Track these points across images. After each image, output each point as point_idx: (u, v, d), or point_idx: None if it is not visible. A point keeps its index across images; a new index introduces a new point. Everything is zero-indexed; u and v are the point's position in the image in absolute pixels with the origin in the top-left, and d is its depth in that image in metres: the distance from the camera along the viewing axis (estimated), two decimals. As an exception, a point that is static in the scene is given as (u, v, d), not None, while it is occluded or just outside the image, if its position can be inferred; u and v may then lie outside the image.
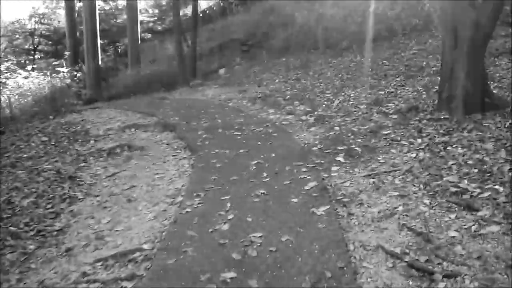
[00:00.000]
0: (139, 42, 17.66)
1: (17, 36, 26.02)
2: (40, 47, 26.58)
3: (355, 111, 6.67)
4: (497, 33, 7.76)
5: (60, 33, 24.27)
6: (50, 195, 4.56)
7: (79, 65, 15.25)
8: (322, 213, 3.39)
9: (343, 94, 7.95)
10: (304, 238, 3.03)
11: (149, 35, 25.16)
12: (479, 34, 5.15)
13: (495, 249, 2.64)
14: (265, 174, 4.46)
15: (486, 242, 2.72)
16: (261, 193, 3.96)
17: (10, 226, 3.80)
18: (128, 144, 6.30)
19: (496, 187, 3.40)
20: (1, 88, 10.61)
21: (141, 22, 21.38)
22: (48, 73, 12.53)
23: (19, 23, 26.03)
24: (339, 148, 5.03)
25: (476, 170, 3.77)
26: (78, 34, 18.68)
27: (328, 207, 3.49)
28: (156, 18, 26.75)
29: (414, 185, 3.75)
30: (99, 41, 14.70)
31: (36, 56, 24.72)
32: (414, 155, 4.43)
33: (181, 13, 16.92)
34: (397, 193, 3.63)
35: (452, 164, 3.99)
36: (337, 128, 5.91)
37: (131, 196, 4.40)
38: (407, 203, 3.43)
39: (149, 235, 3.45)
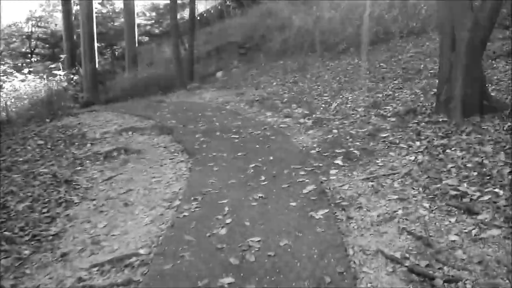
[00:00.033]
0: (137, 45, 17.66)
1: (14, 39, 25.96)
2: (37, 50, 26.54)
3: (353, 114, 6.65)
4: (494, 35, 7.76)
5: (57, 36, 24.23)
6: (46, 199, 4.50)
7: (76, 68, 15.22)
8: (320, 217, 3.36)
9: (340, 97, 7.93)
10: (303, 242, 2.99)
11: (146, 38, 25.16)
12: (477, 36, 5.14)
13: (496, 253, 2.61)
14: (263, 178, 4.42)
15: (487, 246, 2.70)
16: (259, 196, 3.92)
17: (5, 231, 3.74)
18: (125, 148, 6.25)
19: (496, 190, 3.38)
20: None
21: (139, 25, 21.38)
22: (45, 76, 12.47)
23: (16, 26, 25.98)
24: (337, 151, 5.00)
25: (475, 173, 3.74)
26: (75, 37, 18.65)
27: (327, 210, 3.46)
28: (153, 21, 26.76)
29: (413, 189, 3.73)
30: (96, 44, 14.68)
31: (33, 59, 24.65)
32: (413, 158, 4.41)
33: (178, 16, 16.90)
34: (396, 197, 3.60)
35: (451, 167, 3.97)
36: (335, 131, 5.89)
37: (128, 200, 4.35)
38: (407, 207, 3.40)
39: (146, 239, 3.41)
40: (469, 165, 3.95)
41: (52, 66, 15.27)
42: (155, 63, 18.56)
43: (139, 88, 13.33)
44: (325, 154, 5.00)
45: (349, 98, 7.69)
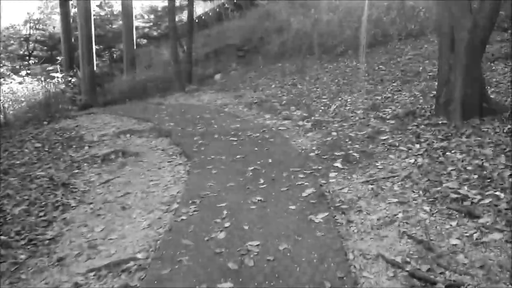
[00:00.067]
0: (135, 47, 17.62)
1: (11, 42, 25.91)
2: (35, 53, 26.49)
3: (352, 116, 6.62)
4: (493, 38, 7.77)
5: (55, 38, 24.21)
6: (43, 203, 4.46)
7: (74, 70, 15.17)
8: (320, 221, 3.32)
9: (339, 99, 7.91)
10: (302, 246, 2.96)
11: (144, 41, 25.15)
12: (477, 37, 5.12)
13: (498, 257, 2.58)
14: (262, 181, 4.38)
15: (488, 251, 2.66)
16: (258, 200, 3.89)
17: (0, 235, 3.69)
18: (122, 150, 6.21)
19: (497, 193, 3.35)
20: None
21: (137, 27, 21.36)
22: (43, 79, 12.43)
23: (14, 29, 25.94)
24: (336, 153, 4.97)
25: (476, 176, 3.72)
26: (73, 39, 18.61)
27: (326, 214, 3.42)
28: (151, 24, 26.76)
29: (414, 192, 3.70)
30: (94, 47, 14.63)
31: (31, 62, 24.60)
32: (412, 160, 4.38)
33: (176, 19, 16.87)
34: (396, 200, 3.57)
35: (452, 170, 3.94)
36: (334, 133, 5.86)
37: (125, 204, 4.31)
38: (407, 210, 3.37)
39: (144, 243, 3.37)
40: (469, 168, 3.92)
41: (50, 68, 15.22)
42: (153, 65, 18.53)
43: (137, 90, 13.29)
44: (324, 157, 4.97)
45: (348, 100, 7.67)
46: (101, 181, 5.11)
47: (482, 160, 4.01)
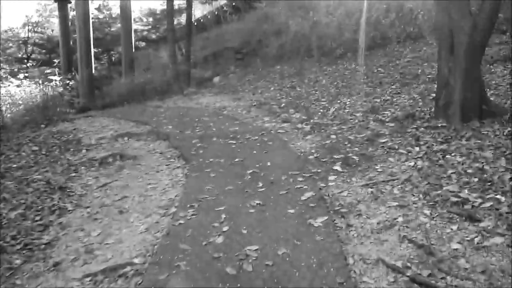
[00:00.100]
0: (133, 50, 17.60)
1: (10, 45, 25.89)
2: (33, 56, 26.47)
3: (351, 119, 6.59)
4: (492, 40, 7.75)
5: (54, 41, 24.18)
6: (39, 207, 4.41)
7: (73, 73, 15.14)
8: (319, 225, 3.28)
9: (338, 102, 7.88)
10: (302, 251, 2.92)
11: (143, 44, 25.15)
12: (476, 40, 5.11)
13: (500, 262, 2.54)
14: (260, 184, 4.35)
15: (490, 255, 2.63)
16: (257, 203, 3.85)
17: (-4, 240, 3.66)
18: (120, 154, 6.17)
19: (498, 196, 3.32)
20: None
21: (135, 30, 21.34)
22: (40, 82, 12.40)
23: (12, 32, 25.92)
24: (335, 156, 4.94)
25: (476, 179, 3.68)
26: (71, 42, 18.59)
27: (325, 218, 3.39)
28: (150, 27, 26.76)
29: (414, 195, 3.66)
30: (92, 50, 14.63)
31: (29, 64, 24.57)
32: (412, 163, 4.35)
33: (175, 22, 16.88)
34: (396, 203, 3.54)
35: (452, 173, 3.91)
36: (333, 136, 5.83)
37: (123, 207, 4.27)
38: (407, 214, 3.34)
39: (141, 248, 3.32)
40: (469, 171, 3.89)
41: (48, 71, 15.19)
42: (152, 68, 18.50)
43: (135, 93, 13.25)
44: (324, 160, 4.93)
45: (347, 103, 7.65)
46: (98, 185, 5.06)
47: (482, 163, 3.98)
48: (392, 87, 7.92)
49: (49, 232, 3.86)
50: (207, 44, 18.45)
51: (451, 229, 3.01)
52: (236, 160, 5.30)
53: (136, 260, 3.10)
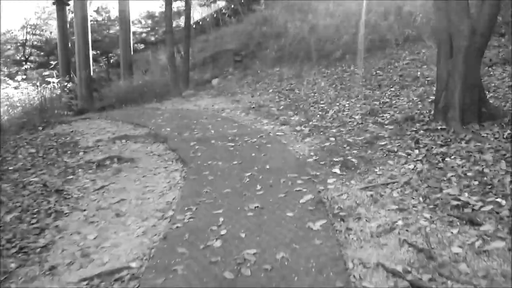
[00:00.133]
0: (132, 52, 17.59)
1: (8, 47, 25.86)
2: (31, 58, 26.44)
3: (350, 121, 6.57)
4: (490, 43, 7.74)
5: (52, 44, 24.17)
6: (35, 210, 4.36)
7: (71, 75, 15.11)
8: (319, 228, 3.24)
9: (337, 104, 7.86)
10: (301, 255, 2.88)
11: (142, 46, 25.14)
12: (475, 43, 5.10)
13: (502, 267, 2.50)
14: (259, 187, 4.31)
15: (491, 259, 2.59)
16: (255, 207, 3.81)
17: (-9, 243, 3.61)
18: (118, 156, 6.13)
19: (498, 200, 3.29)
20: None
21: (134, 32, 21.34)
22: (38, 84, 12.36)
23: (10, 34, 25.90)
24: (335, 159, 4.91)
25: (476, 182, 3.66)
26: (70, 44, 18.57)
27: (325, 221, 3.35)
28: (149, 29, 26.78)
29: (413, 198, 3.63)
30: (91, 52, 14.60)
31: (27, 66, 24.54)
32: (411, 166, 4.32)
33: (174, 24, 16.86)
34: (396, 207, 3.50)
35: (452, 176, 3.88)
36: (332, 139, 5.80)
37: (120, 210, 4.22)
38: (407, 217, 3.30)
39: (137, 252, 3.28)
40: (469, 173, 3.87)
41: (46, 73, 15.16)
42: (150, 70, 18.48)
43: (134, 95, 13.23)
44: (322, 163, 4.90)
45: (346, 105, 7.63)
46: (95, 188, 5.02)
47: (482, 166, 3.96)
48: (391, 89, 7.90)
49: (45, 236, 3.81)
50: (206, 46, 18.44)
51: (452, 232, 2.97)
52: (235, 162, 5.27)
53: (132, 264, 3.06)
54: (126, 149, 6.70)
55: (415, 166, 4.30)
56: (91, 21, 17.69)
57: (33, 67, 24.36)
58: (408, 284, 2.46)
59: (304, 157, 5.26)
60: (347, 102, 7.80)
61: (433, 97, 6.17)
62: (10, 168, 6.03)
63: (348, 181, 4.27)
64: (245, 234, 3.27)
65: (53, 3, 18.91)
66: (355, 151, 5.12)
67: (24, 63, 25.53)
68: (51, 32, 25.64)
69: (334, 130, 6.25)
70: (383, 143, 5.20)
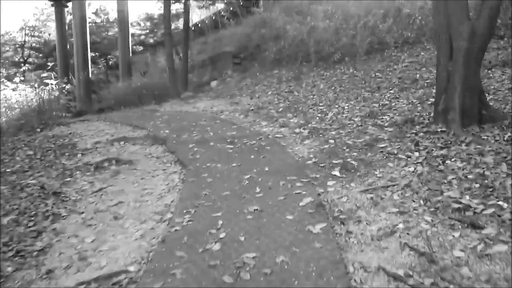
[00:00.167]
0: (131, 54, 17.56)
1: (7, 49, 25.82)
2: (30, 60, 26.40)
3: (349, 123, 6.54)
4: (489, 45, 7.73)
5: (51, 45, 24.14)
6: (33, 212, 4.33)
7: (69, 77, 15.08)
8: (319, 231, 3.21)
9: (336, 106, 7.83)
10: (301, 259, 2.84)
11: (140, 48, 25.13)
12: (475, 45, 5.08)
13: (504, 271, 2.47)
14: (258, 189, 4.28)
15: (494, 263, 2.56)
16: (255, 209, 3.78)
17: (-13, 247, 3.57)
18: (116, 158, 6.09)
19: (500, 203, 3.26)
20: None
21: (133, 34, 21.32)
22: (36, 85, 12.32)
23: (9, 35, 25.86)
24: (334, 161, 4.88)
25: (477, 185, 3.63)
26: (68, 46, 18.53)
27: (325, 224, 3.32)
28: (148, 31, 26.77)
29: (414, 201, 3.60)
30: (89, 54, 14.58)
31: (25, 68, 24.49)
32: (412, 169, 4.29)
33: (173, 26, 16.85)
34: (397, 210, 3.47)
35: (452, 178, 3.85)
36: (331, 141, 5.77)
37: (118, 213, 4.19)
38: (408, 220, 3.27)
39: (136, 255, 3.25)
40: (470, 176, 3.84)
41: (44, 75, 15.13)
42: (149, 72, 18.46)
43: (132, 97, 13.19)
44: (322, 165, 4.87)
45: (345, 107, 7.60)
46: (93, 190, 4.98)
47: (483, 168, 3.93)
48: (391, 91, 7.88)
49: (42, 239, 3.77)
50: (204, 48, 18.42)
51: (453, 236, 2.94)
52: (234, 165, 5.23)
53: (130, 268, 3.03)
54: (125, 151, 6.67)
55: (415, 169, 4.27)
56: (89, 23, 17.67)
57: (31, 69, 24.31)
58: (409, 289, 2.42)
59: (303, 159, 5.23)
60: (346, 104, 7.77)
61: (432, 100, 6.15)
62: (7, 170, 5.99)
63: (348, 183, 4.24)
64: (245, 237, 3.24)
65: (52, 5, 18.88)
66: (354, 154, 5.09)
67: (22, 64, 25.49)
68: (49, 34, 25.61)
69: (333, 132, 6.22)
70: (383, 145, 5.17)
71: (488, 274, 2.45)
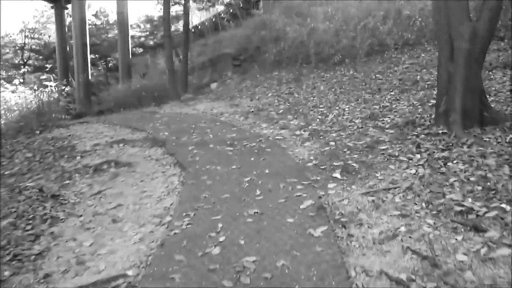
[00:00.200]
0: (130, 56, 17.55)
1: (7, 51, 25.82)
2: (30, 62, 26.40)
3: (350, 125, 6.51)
4: (490, 47, 7.70)
5: (51, 47, 24.14)
6: (31, 215, 4.30)
7: (69, 79, 15.05)
8: (320, 235, 3.17)
9: (337, 108, 7.80)
10: (301, 262, 2.81)
11: (140, 50, 25.13)
12: (476, 47, 5.04)
13: (508, 275, 2.43)
14: (258, 192, 4.24)
15: (497, 267, 2.52)
16: (255, 212, 3.74)
17: (-16, 251, 3.53)
18: (115, 160, 6.06)
19: (503, 205, 3.22)
20: None
21: (133, 36, 21.31)
22: (35, 87, 12.30)
23: (9, 37, 25.87)
24: (335, 164, 4.84)
25: (479, 188, 3.59)
26: (68, 48, 18.53)
27: (326, 227, 3.28)
28: (147, 33, 26.76)
29: (416, 204, 3.56)
30: (89, 56, 14.56)
31: (25, 70, 24.49)
32: (413, 171, 4.25)
33: (173, 28, 16.84)
34: (398, 213, 3.43)
35: (454, 180, 3.81)
36: (332, 143, 5.73)
37: (117, 216, 4.15)
38: (410, 223, 3.23)
39: (134, 259, 3.21)
40: (472, 178, 3.80)
41: (44, 77, 15.10)
42: (149, 74, 18.43)
43: (132, 99, 13.17)
44: (323, 167, 4.83)
45: (346, 109, 7.56)
46: (92, 192, 4.95)
47: (485, 170, 3.89)
48: (391, 93, 7.85)
49: (40, 242, 3.74)
50: (204, 50, 18.40)
51: (456, 239, 2.90)
52: (233, 167, 5.20)
53: (129, 272, 2.99)
54: (124, 153, 6.63)
55: (416, 171, 4.23)
56: (89, 25, 17.66)
57: (31, 71, 24.30)
58: (412, 293, 2.39)
59: (304, 161, 5.19)
60: (347, 106, 7.74)
61: (433, 101, 6.11)
62: (6, 172, 5.96)
63: (349, 186, 4.20)
64: (244, 241, 3.20)
65: (52, 7, 18.89)
66: (355, 156, 5.05)
67: (22, 66, 25.48)
68: (49, 36, 25.62)
69: (334, 134, 6.18)
70: (384, 147, 5.13)
71: (492, 278, 2.41)
